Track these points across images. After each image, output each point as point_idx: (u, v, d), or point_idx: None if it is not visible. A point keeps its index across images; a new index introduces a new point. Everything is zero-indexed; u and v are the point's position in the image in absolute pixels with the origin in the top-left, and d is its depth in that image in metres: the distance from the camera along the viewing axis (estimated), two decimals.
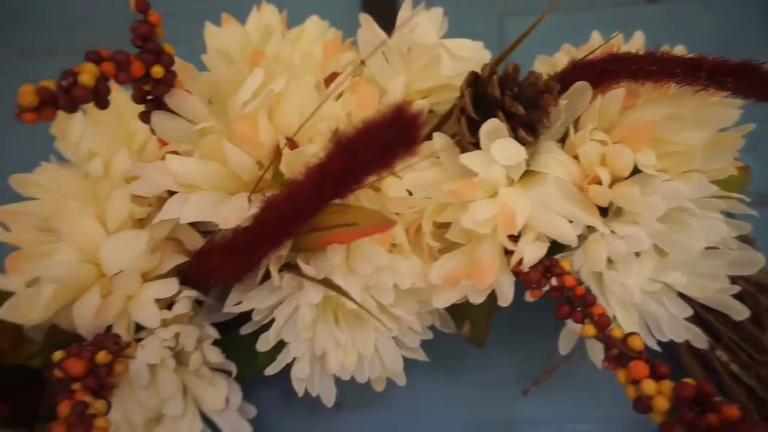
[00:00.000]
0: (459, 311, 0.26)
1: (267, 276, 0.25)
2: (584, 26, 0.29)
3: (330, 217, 0.22)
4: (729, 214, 0.25)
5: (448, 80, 0.26)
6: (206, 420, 0.27)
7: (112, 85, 0.20)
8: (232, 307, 0.25)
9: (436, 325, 0.28)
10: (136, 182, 0.24)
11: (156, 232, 0.26)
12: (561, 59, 0.28)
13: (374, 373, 0.27)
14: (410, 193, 0.24)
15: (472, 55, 0.26)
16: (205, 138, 0.22)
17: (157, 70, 0.21)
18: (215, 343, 0.27)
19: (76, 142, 0.27)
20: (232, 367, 0.26)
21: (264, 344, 0.25)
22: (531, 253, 0.22)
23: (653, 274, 0.24)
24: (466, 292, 0.24)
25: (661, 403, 0.17)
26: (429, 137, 0.24)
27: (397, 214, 0.25)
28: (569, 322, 0.25)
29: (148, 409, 0.25)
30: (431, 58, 0.26)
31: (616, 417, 0.33)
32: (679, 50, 0.25)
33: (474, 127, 0.24)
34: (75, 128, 0.27)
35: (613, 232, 0.23)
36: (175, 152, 0.24)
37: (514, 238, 0.23)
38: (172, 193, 0.25)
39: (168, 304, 0.26)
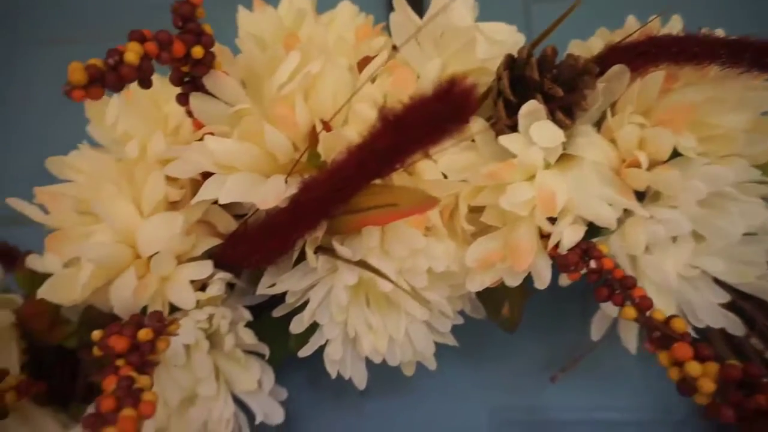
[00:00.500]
0: (492, 295, 0.26)
1: (300, 259, 0.26)
2: (616, 10, 0.29)
3: (368, 198, 0.22)
4: None
5: (482, 64, 0.26)
6: (239, 403, 0.28)
7: None
8: (265, 289, 0.25)
9: (465, 311, 0.28)
10: (172, 164, 0.24)
11: (190, 214, 0.26)
12: (596, 44, 0.27)
13: (405, 356, 0.27)
14: (445, 177, 0.24)
15: (506, 38, 0.26)
16: (245, 119, 0.23)
17: (198, 51, 0.21)
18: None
19: (112, 125, 0.27)
20: (265, 350, 0.27)
21: (298, 326, 0.25)
22: (569, 235, 0.22)
23: (690, 259, 0.24)
24: (500, 275, 0.24)
25: (707, 385, 0.17)
26: None
27: None
28: (602, 308, 0.25)
29: (183, 389, 0.26)
30: (467, 42, 0.25)
31: (644, 405, 0.33)
32: (719, 33, 0.24)
33: (511, 110, 0.23)
34: (111, 111, 0.27)
35: (650, 216, 0.23)
36: (211, 134, 0.24)
37: (550, 222, 0.23)
38: (205, 176, 0.25)
39: (200, 286, 0.26)
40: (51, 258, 0.25)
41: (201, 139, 0.23)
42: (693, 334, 0.25)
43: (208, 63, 0.22)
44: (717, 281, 0.25)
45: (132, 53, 0.19)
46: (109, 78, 0.18)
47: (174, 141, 0.27)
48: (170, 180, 0.26)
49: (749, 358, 0.28)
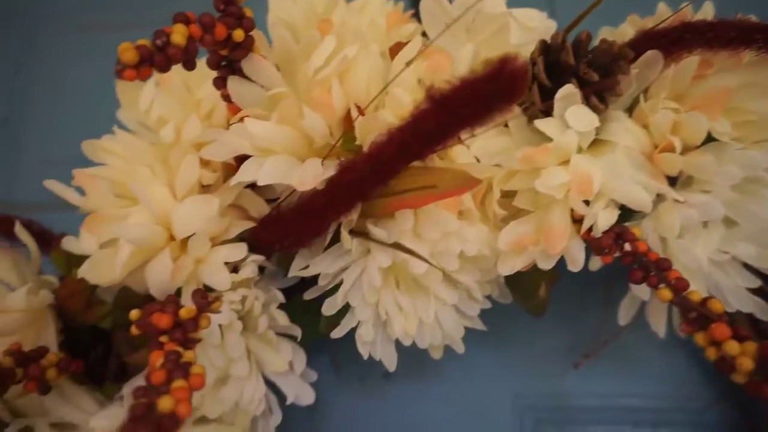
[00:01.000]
0: (521, 280, 0.27)
1: (332, 242, 0.26)
2: None
3: (405, 181, 0.22)
4: None
5: (515, 49, 0.26)
6: (270, 385, 0.28)
7: None
8: (298, 271, 0.26)
9: (493, 296, 0.29)
10: (210, 146, 0.24)
11: (223, 198, 0.26)
12: (626, 30, 0.27)
13: (435, 339, 0.27)
14: (478, 161, 0.25)
15: (538, 24, 0.26)
16: (283, 102, 0.23)
17: (239, 34, 0.22)
18: None
19: (146, 109, 0.27)
20: (297, 332, 0.27)
21: (330, 308, 0.26)
22: (604, 219, 0.22)
23: (721, 244, 0.24)
24: (533, 259, 0.24)
25: (746, 364, 0.17)
26: None
27: None
28: (632, 291, 0.26)
29: (217, 368, 0.26)
30: (499, 28, 0.26)
31: (665, 392, 0.34)
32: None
33: (545, 95, 0.24)
34: (145, 96, 0.27)
35: (684, 201, 0.23)
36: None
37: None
38: (239, 161, 0.26)
39: (232, 269, 0.27)
40: (87, 239, 0.26)
41: (239, 122, 0.23)
42: None
43: (247, 46, 0.22)
44: (746, 266, 0.25)
45: (178, 35, 0.19)
46: (158, 58, 0.18)
47: (207, 125, 0.28)
48: (203, 164, 0.26)
49: None
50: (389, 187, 0.22)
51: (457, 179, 0.21)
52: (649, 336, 0.33)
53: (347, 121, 0.25)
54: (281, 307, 0.28)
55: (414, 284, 0.27)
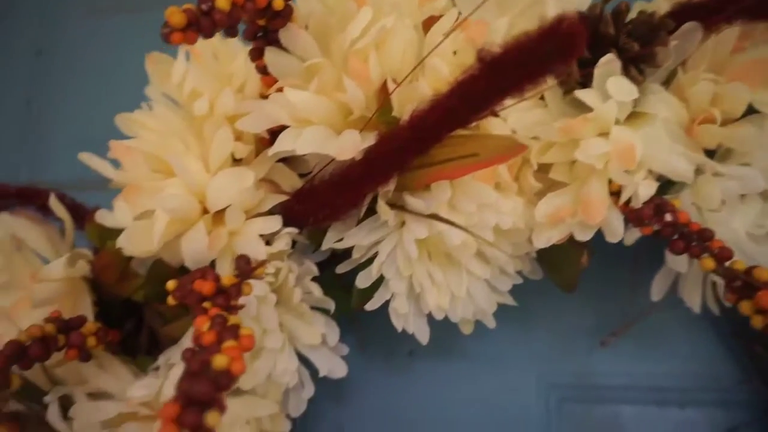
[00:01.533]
0: (554, 254, 0.27)
1: (366, 216, 0.26)
2: None
3: (445, 150, 0.22)
4: None
5: None
6: (302, 360, 0.28)
7: None
8: (332, 243, 0.26)
9: (523, 272, 0.29)
10: (246, 117, 0.25)
11: (257, 170, 0.26)
12: (661, 4, 0.27)
13: (467, 313, 0.27)
14: (514, 133, 0.24)
15: None
16: (322, 72, 0.23)
17: (278, 2, 0.22)
18: None
19: (179, 83, 0.27)
20: (331, 305, 0.27)
21: (365, 280, 0.26)
22: (644, 189, 0.22)
23: (758, 218, 0.24)
24: (569, 231, 0.24)
25: None
26: None
27: None
28: (668, 264, 0.26)
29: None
30: (534, 0, 0.25)
31: (692, 372, 0.34)
32: None
33: (583, 65, 0.23)
34: (178, 68, 0.27)
35: (724, 173, 0.23)
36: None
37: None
38: (272, 134, 0.26)
39: (265, 242, 0.27)
40: (122, 211, 0.26)
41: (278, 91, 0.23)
42: None
43: (287, 16, 0.22)
44: None
45: (223, 0, 0.19)
46: (204, 23, 0.18)
47: (239, 98, 0.28)
48: (236, 137, 0.26)
49: None
50: (428, 156, 0.22)
51: (500, 146, 0.21)
52: (676, 315, 0.33)
53: (383, 93, 0.24)
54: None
55: (446, 259, 0.27)
